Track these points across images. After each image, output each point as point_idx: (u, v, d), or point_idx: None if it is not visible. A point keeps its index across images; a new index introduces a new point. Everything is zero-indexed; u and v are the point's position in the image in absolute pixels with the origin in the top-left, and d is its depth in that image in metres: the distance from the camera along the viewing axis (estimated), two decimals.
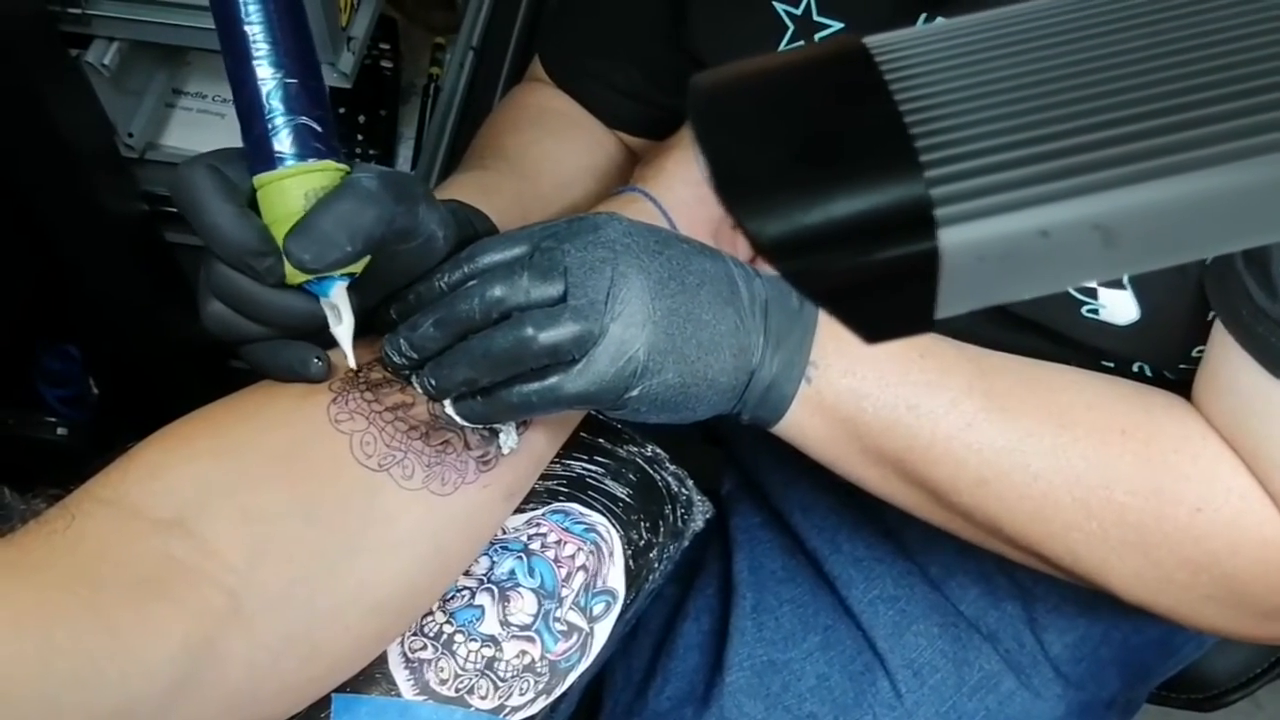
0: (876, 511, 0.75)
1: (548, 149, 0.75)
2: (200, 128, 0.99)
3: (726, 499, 0.83)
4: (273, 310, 0.50)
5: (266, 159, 0.49)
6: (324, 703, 0.52)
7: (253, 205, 0.50)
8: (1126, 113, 0.22)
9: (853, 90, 0.23)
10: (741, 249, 0.73)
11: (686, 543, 0.66)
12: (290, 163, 0.48)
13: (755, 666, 0.72)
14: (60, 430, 1.16)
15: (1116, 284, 0.57)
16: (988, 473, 0.56)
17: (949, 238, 0.22)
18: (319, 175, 0.49)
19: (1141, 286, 0.57)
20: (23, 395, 1.14)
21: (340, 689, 0.53)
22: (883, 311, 0.23)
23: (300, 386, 0.54)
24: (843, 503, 0.76)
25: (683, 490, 0.68)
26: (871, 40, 0.23)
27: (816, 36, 0.65)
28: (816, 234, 0.22)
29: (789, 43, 0.66)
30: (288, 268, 0.48)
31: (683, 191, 0.68)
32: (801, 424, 0.57)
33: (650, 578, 0.62)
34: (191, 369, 1.13)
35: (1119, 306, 0.57)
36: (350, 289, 0.51)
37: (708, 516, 0.68)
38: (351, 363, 0.52)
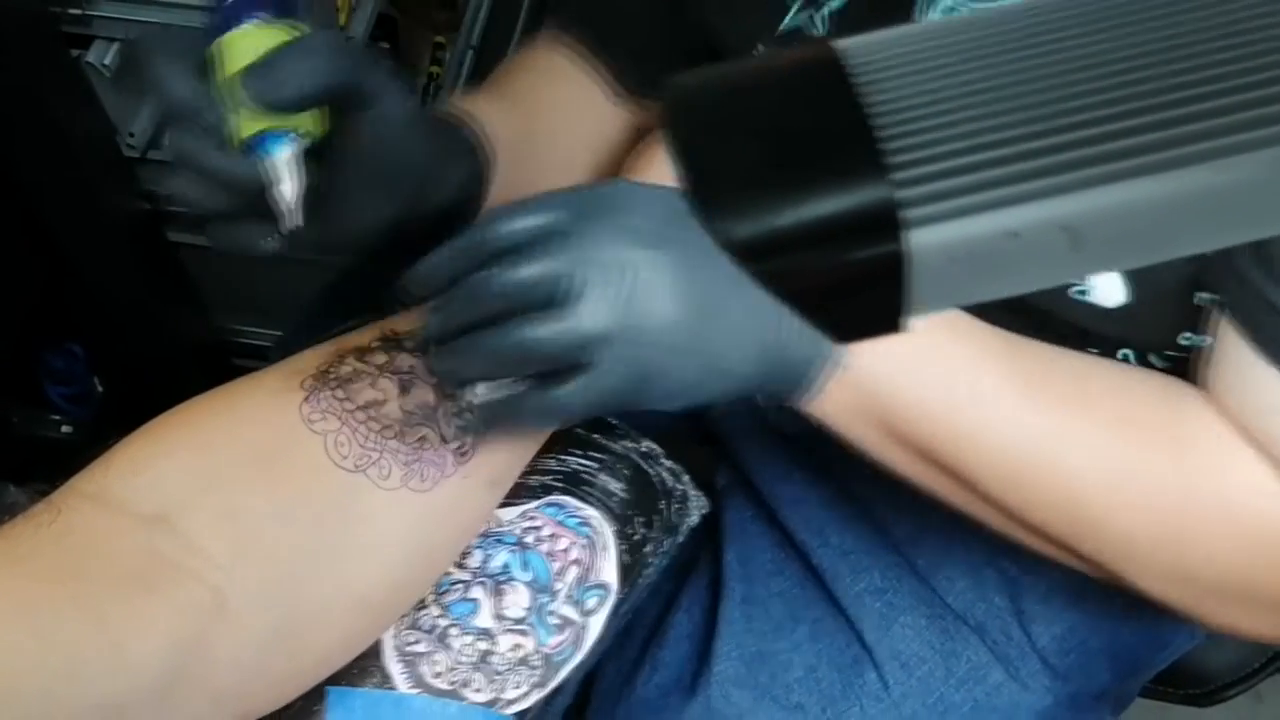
0: (866, 505, 0.75)
1: (552, 96, 0.73)
2: None
3: (720, 493, 0.84)
4: (219, 169, 0.50)
5: (225, 24, 0.49)
6: (318, 695, 0.53)
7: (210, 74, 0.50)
8: (1093, 115, 0.23)
9: (822, 94, 0.23)
10: None
11: (682, 537, 0.67)
12: (252, 23, 0.49)
13: (744, 657, 0.72)
14: (65, 428, 1.17)
15: None
16: (1019, 465, 0.55)
17: (917, 240, 0.22)
18: (281, 33, 0.49)
19: (1136, 271, 0.56)
20: (28, 393, 1.15)
21: (334, 681, 0.53)
22: (852, 313, 0.24)
23: (273, 382, 0.54)
24: (833, 497, 0.76)
25: (678, 485, 0.68)
26: (842, 44, 0.24)
27: (824, 8, 0.64)
28: (785, 236, 0.22)
29: (796, 13, 0.65)
30: (233, 123, 0.48)
31: (670, 182, 0.68)
32: (828, 405, 0.55)
33: (645, 572, 0.62)
34: (194, 366, 1.14)
35: (1107, 288, 0.57)
36: (311, 158, 0.50)
37: (703, 511, 0.69)
38: (297, 219, 0.50)
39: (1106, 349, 0.60)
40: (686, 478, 0.68)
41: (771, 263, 0.22)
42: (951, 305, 0.24)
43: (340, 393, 0.53)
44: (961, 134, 0.22)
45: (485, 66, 1.12)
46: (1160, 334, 0.58)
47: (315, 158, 0.51)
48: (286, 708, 0.52)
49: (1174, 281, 0.55)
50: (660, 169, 0.69)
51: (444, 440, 0.54)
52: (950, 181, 0.22)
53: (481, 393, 0.52)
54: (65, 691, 0.42)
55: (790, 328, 0.53)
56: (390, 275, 0.55)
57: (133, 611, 0.45)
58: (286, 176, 0.49)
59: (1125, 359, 0.61)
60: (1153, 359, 0.60)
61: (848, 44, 0.24)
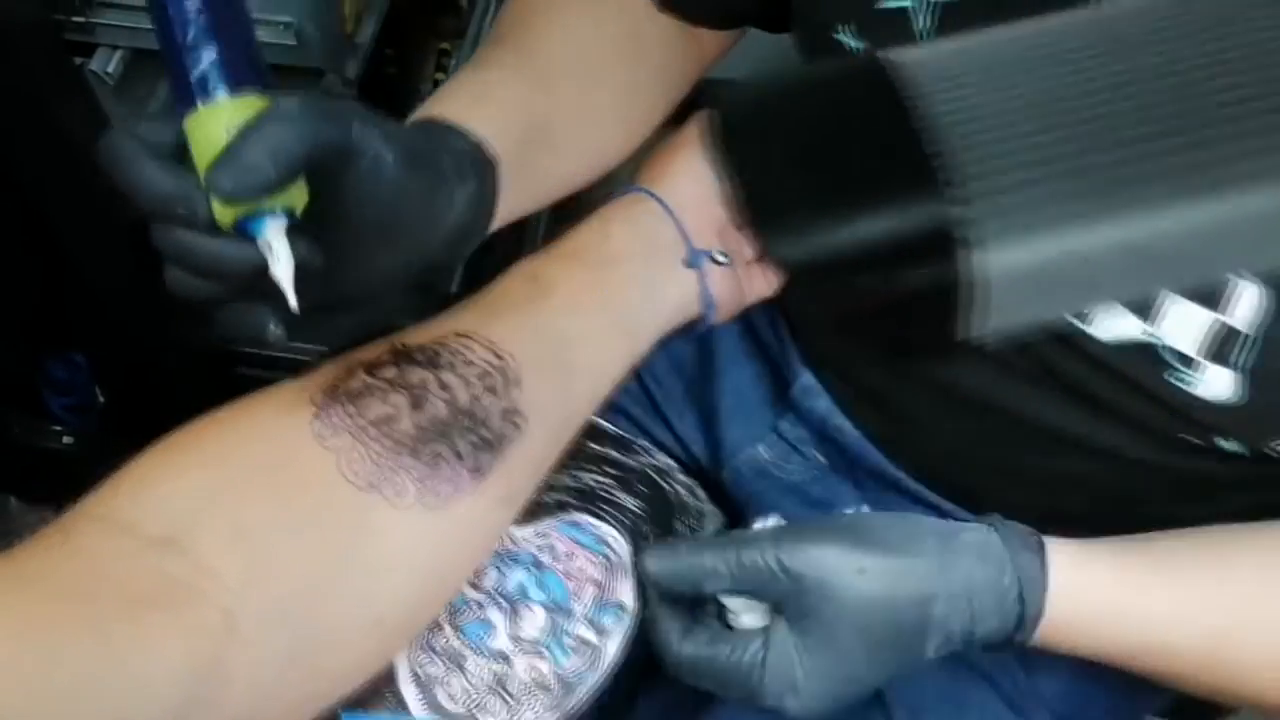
0: None
1: (583, 38, 0.66)
2: None
3: None
4: (210, 259, 0.46)
5: (190, 100, 0.46)
6: None
7: (185, 156, 0.47)
8: (1163, 127, 0.22)
9: (876, 109, 0.22)
10: (747, 247, 0.71)
11: None
12: (216, 99, 0.46)
13: None
14: (66, 439, 1.16)
15: (1224, 362, 0.53)
16: (1218, 676, 0.57)
17: (977, 260, 0.21)
18: (244, 108, 0.46)
19: (1260, 377, 0.52)
20: (28, 404, 1.14)
21: (349, 707, 0.52)
22: (910, 334, 0.23)
23: (282, 399, 0.52)
24: None
25: (693, 500, 0.67)
26: (894, 56, 0.23)
27: None
28: (844, 257, 0.21)
29: None
30: (219, 208, 0.45)
31: (690, 191, 0.66)
32: (1038, 643, 0.58)
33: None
34: (199, 377, 1.13)
35: (1217, 383, 0.53)
36: (296, 230, 0.47)
37: (718, 527, 0.68)
38: (293, 304, 0.47)
39: (1202, 435, 0.58)
40: (701, 492, 0.67)
41: (830, 284, 0.21)
42: (1011, 326, 0.23)
43: (351, 408, 0.52)
44: (1023, 149, 0.21)
45: None
46: (1264, 434, 0.56)
47: (303, 226, 0.48)
48: None
49: None
50: (676, 180, 0.67)
51: (458, 457, 0.52)
52: (1012, 198, 0.21)
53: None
54: (76, 717, 0.40)
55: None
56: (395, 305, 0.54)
57: (143, 634, 0.44)
58: (283, 255, 0.47)
59: (1232, 450, 0.58)
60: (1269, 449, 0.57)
61: (901, 55, 0.23)
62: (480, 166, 0.55)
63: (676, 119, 0.74)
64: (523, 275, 0.61)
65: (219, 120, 0.46)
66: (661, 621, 0.56)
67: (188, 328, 1.12)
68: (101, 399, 1.18)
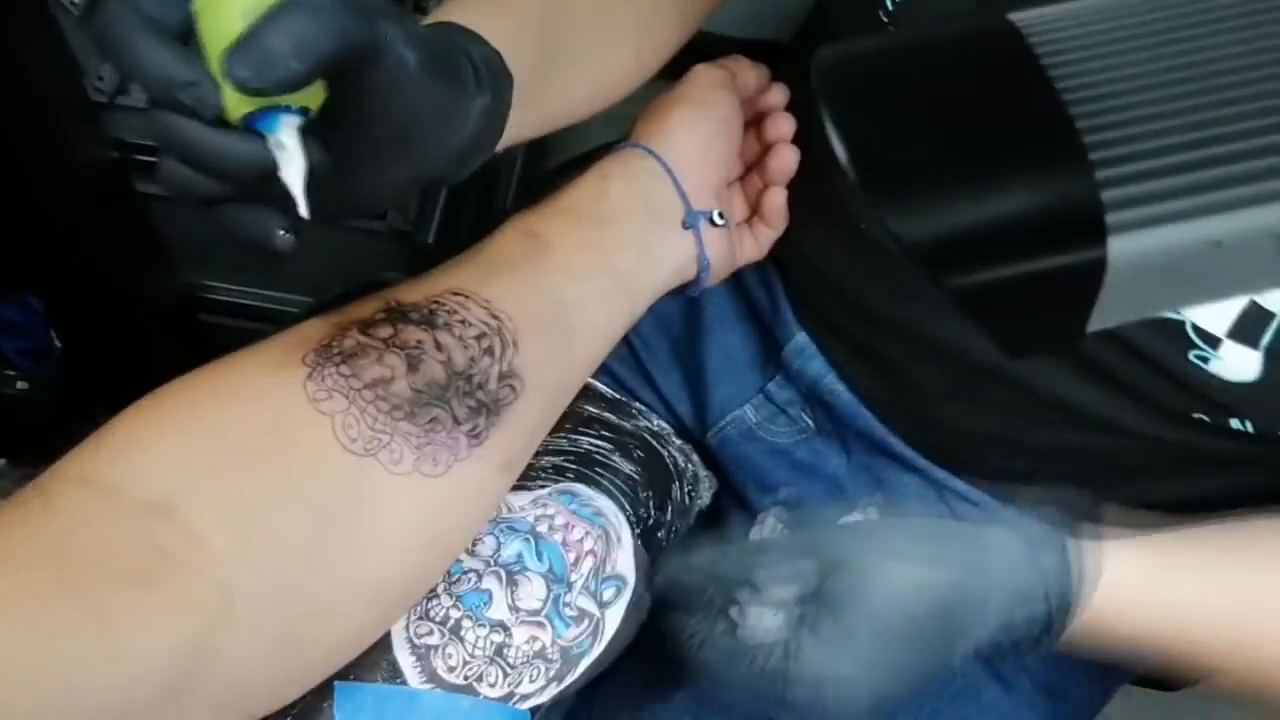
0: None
1: None
2: None
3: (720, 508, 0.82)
4: (215, 155, 0.43)
5: None
6: (326, 690, 0.49)
7: (190, 42, 0.43)
8: None
9: (1006, 74, 0.20)
10: (738, 209, 0.70)
11: (693, 520, 0.64)
12: None
13: None
14: (20, 384, 1.12)
15: (1249, 343, 0.53)
16: (1246, 664, 0.57)
17: (1118, 246, 0.19)
18: None
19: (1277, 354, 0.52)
20: None
21: (343, 676, 0.50)
22: (1031, 323, 0.21)
23: (271, 357, 0.50)
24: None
25: (689, 465, 0.66)
26: (1022, 18, 0.21)
27: None
28: (971, 238, 0.19)
29: None
30: (229, 100, 0.42)
31: (688, 149, 0.64)
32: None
33: (659, 560, 0.60)
34: (159, 322, 1.10)
35: (1238, 363, 0.53)
36: (308, 132, 0.44)
37: (713, 491, 0.67)
38: (304, 211, 0.45)
39: (1215, 414, 0.57)
40: (696, 457, 0.66)
41: (953, 266, 0.19)
42: (1134, 317, 0.21)
43: (345, 369, 0.49)
44: (1170, 128, 0.19)
45: None
46: None
47: (314, 127, 0.44)
48: (291, 705, 0.49)
49: None
50: (674, 136, 0.65)
51: (456, 422, 0.50)
52: (1158, 183, 0.19)
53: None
54: (62, 705, 0.38)
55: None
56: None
57: (134, 610, 0.41)
58: (290, 160, 0.44)
59: (1242, 429, 0.58)
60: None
61: (1028, 16, 0.21)
62: (498, 79, 0.52)
63: (673, 72, 0.72)
64: (519, 230, 0.59)
65: (234, 3, 0.42)
66: (679, 627, 0.55)
67: (148, 272, 1.08)
68: (58, 343, 1.14)
